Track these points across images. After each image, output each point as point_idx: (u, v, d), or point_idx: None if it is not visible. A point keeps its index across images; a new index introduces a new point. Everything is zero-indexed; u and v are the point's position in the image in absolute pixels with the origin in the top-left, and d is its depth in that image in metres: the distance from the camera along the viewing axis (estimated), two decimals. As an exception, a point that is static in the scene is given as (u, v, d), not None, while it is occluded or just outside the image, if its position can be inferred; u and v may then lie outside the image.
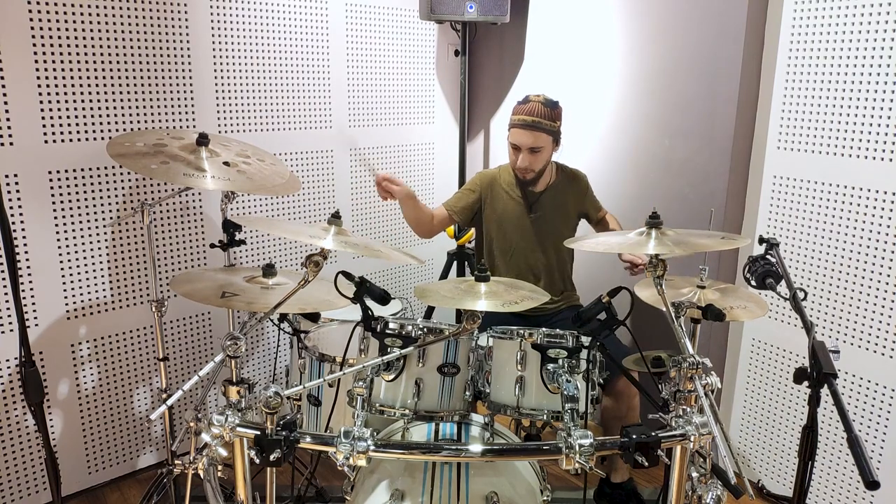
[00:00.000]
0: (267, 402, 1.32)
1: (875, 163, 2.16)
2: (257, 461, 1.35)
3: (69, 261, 2.41)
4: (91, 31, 2.31)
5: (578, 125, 2.99)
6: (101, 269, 2.49)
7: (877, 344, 2.23)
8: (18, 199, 2.26)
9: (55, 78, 2.27)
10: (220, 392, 1.69)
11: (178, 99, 2.56)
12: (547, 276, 2.54)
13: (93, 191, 2.42)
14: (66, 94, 2.30)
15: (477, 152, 3.60)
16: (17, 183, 2.25)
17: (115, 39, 2.37)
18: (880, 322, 2.21)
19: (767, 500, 2.59)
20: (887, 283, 2.18)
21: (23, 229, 2.29)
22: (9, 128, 2.20)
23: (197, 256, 2.72)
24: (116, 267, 2.52)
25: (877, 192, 2.17)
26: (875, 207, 2.18)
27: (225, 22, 2.63)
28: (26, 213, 2.29)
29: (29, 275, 2.33)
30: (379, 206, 3.30)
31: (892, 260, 2.16)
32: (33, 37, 2.20)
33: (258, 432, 1.34)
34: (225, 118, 2.70)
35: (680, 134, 2.69)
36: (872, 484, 1.11)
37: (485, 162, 3.59)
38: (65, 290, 2.42)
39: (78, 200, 2.39)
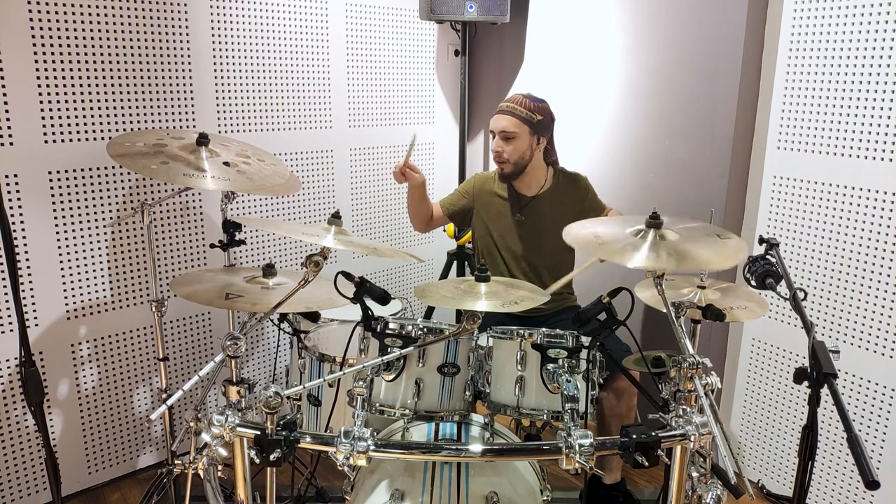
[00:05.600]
0: (267, 402, 1.32)
1: (875, 163, 2.16)
2: (257, 461, 1.35)
3: (69, 261, 2.41)
4: (91, 31, 2.31)
5: (578, 125, 2.99)
6: (101, 269, 2.49)
7: (877, 344, 2.23)
8: (18, 199, 2.26)
9: (55, 78, 2.27)
10: (220, 392, 1.69)
11: (178, 99, 2.56)
12: (534, 279, 2.50)
13: (93, 191, 2.42)
14: (66, 94, 2.30)
15: (477, 152, 3.60)
16: (17, 183, 2.25)
17: (115, 39, 2.37)
18: (880, 322, 2.21)
19: (767, 500, 2.59)
20: (887, 283, 2.18)
21: (23, 229, 2.29)
22: (9, 128, 2.20)
23: (197, 256, 2.72)
24: (116, 267, 2.52)
25: (877, 192, 2.17)
26: (875, 207, 2.18)
27: (225, 22, 2.62)
28: (26, 213, 2.29)
29: (29, 275, 2.33)
30: (379, 207, 3.30)
31: (892, 260, 2.16)
32: (33, 37, 2.20)
33: (258, 432, 1.34)
34: (225, 118, 2.70)
35: (680, 134, 2.69)
36: (872, 484, 1.11)
37: (485, 162, 3.59)
38: (65, 290, 2.42)
39: (78, 200, 2.39)
